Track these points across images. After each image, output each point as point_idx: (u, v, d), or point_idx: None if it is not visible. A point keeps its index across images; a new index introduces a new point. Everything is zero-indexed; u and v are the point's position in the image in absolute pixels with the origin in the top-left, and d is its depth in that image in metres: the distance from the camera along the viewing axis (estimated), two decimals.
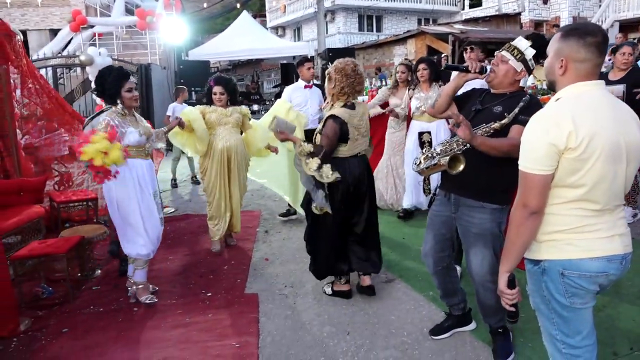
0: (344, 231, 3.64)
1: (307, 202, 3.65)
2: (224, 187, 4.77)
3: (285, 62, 19.81)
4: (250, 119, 4.92)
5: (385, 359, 2.97)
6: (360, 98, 3.75)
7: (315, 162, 3.31)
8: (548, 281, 1.88)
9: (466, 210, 2.78)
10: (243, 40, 14.29)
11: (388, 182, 5.93)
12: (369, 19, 27.77)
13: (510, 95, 2.72)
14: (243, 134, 4.92)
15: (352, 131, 3.41)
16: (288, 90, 5.90)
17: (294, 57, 17.09)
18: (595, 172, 1.74)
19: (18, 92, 5.10)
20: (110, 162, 3.24)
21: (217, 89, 4.67)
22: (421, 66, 5.35)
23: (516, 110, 2.51)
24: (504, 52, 2.70)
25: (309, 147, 3.33)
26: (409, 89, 5.58)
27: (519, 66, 2.67)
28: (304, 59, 5.89)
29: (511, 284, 1.95)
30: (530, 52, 2.70)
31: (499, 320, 2.90)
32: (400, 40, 17.71)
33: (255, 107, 15.50)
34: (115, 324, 3.50)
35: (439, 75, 5.37)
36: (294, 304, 3.71)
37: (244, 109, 4.92)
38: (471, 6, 25.76)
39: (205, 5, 22.69)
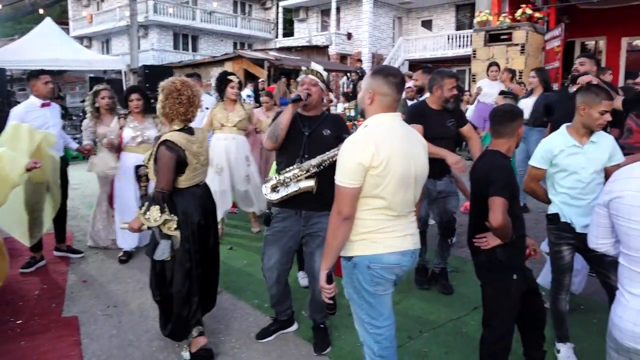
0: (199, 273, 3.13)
1: (152, 248, 3.10)
2: None
3: (93, 75, 18.55)
4: None
5: None
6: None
7: (157, 210, 2.88)
8: (358, 273, 2.28)
9: (317, 219, 3.08)
10: (46, 48, 13.03)
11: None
12: (185, 37, 27.53)
13: (324, 115, 3.18)
14: None
15: (190, 159, 2.99)
16: (18, 111, 4.61)
17: (104, 72, 16.15)
18: (392, 186, 2.18)
19: None
20: None
21: None
22: (134, 96, 4.83)
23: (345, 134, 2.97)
24: (310, 76, 3.13)
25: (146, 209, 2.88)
26: (119, 118, 4.88)
27: (324, 86, 3.15)
28: (39, 71, 4.82)
29: (329, 279, 2.29)
30: (325, 74, 3.21)
31: (324, 317, 3.29)
32: (218, 62, 17.93)
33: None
34: None
35: (150, 107, 4.81)
36: (119, 323, 3.63)
37: None
38: (284, 35, 27.25)
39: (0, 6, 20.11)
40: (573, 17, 14.92)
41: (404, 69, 21.80)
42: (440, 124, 4.04)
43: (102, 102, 5.00)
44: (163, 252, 2.98)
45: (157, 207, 2.89)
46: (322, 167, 2.97)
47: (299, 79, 3.19)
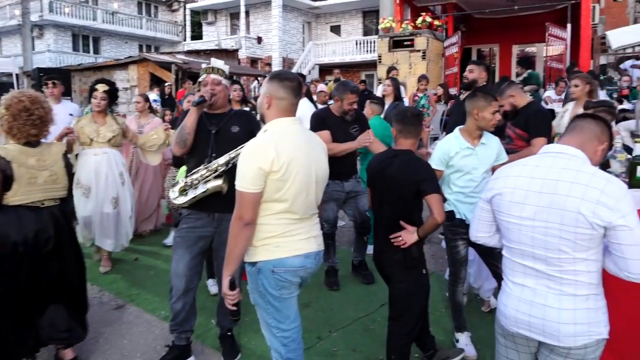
0: (23, 303, 2.80)
1: None
2: None
3: None
4: None
5: None
6: None
7: None
8: (263, 278, 2.28)
9: (229, 223, 2.91)
10: None
11: None
12: (85, 39, 26.06)
13: (232, 113, 3.11)
14: None
15: (22, 173, 2.71)
16: None
17: None
18: (293, 190, 2.20)
19: None
20: None
21: None
22: None
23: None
24: (213, 75, 2.99)
25: None
26: None
27: (227, 83, 3.08)
28: None
29: (232, 285, 2.26)
30: (227, 68, 3.10)
31: (232, 323, 3.20)
32: (122, 65, 17.17)
33: None
34: None
35: None
36: None
37: None
38: (192, 38, 26.65)
39: None
40: (469, 25, 15.91)
41: (315, 73, 22.11)
42: (343, 131, 4.18)
43: None
44: None
45: None
46: (230, 165, 2.88)
47: (200, 79, 3.06)
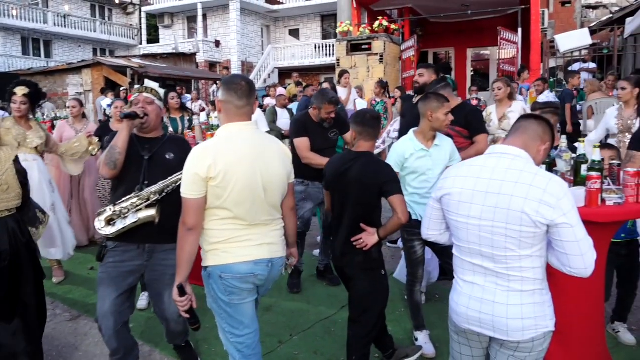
0: None
1: None
2: None
3: None
4: None
5: None
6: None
7: None
8: (213, 283, 2.29)
9: (163, 255, 2.76)
10: None
11: None
12: (35, 42, 25.15)
13: (166, 138, 2.90)
14: None
15: None
16: None
17: None
18: (233, 198, 2.19)
19: None
20: None
21: None
22: None
23: None
24: (145, 94, 2.79)
25: None
26: None
27: (161, 104, 2.88)
28: None
29: (181, 292, 2.23)
30: (162, 91, 2.92)
31: (184, 339, 3.13)
32: (75, 69, 16.71)
33: None
34: None
35: None
36: None
37: None
38: (149, 42, 26.18)
39: None
40: (425, 29, 16.26)
41: (274, 77, 22.10)
42: (322, 136, 4.28)
43: None
44: None
45: None
46: (165, 193, 2.68)
47: (132, 98, 2.86)
